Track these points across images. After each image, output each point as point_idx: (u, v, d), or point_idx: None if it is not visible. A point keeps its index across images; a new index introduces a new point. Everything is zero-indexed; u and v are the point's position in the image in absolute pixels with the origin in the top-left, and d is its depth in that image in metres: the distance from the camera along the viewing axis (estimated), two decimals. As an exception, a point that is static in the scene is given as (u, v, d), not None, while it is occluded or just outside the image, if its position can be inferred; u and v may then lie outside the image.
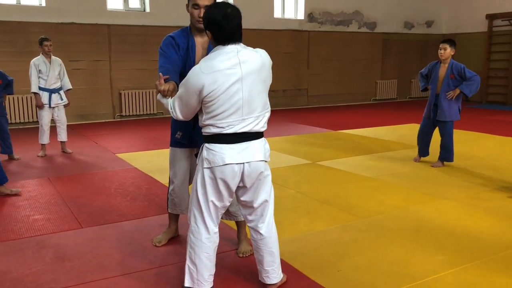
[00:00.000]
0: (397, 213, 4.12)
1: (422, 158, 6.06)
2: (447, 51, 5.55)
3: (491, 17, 13.31)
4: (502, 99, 13.34)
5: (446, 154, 5.79)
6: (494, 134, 8.06)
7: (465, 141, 7.52)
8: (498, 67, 13.43)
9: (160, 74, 2.78)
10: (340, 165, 5.90)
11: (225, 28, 2.42)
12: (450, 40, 5.68)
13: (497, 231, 3.68)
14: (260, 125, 2.54)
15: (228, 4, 2.49)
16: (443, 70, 5.64)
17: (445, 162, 5.82)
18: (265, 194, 2.63)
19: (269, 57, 2.59)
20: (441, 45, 5.61)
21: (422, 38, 14.36)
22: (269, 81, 2.58)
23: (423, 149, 5.99)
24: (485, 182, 5.11)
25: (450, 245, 3.42)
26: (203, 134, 2.55)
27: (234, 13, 2.45)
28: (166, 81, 2.78)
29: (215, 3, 2.52)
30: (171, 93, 2.73)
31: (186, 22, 3.16)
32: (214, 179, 2.50)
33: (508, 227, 3.77)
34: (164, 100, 2.71)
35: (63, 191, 4.85)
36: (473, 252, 3.28)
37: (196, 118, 2.70)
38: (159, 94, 2.76)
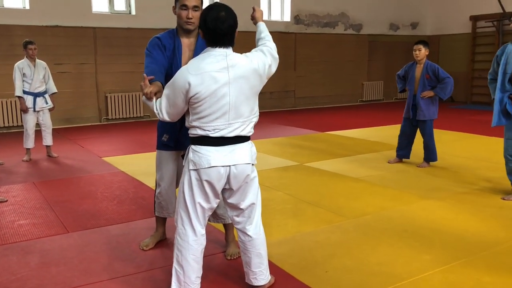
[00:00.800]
0: (384, 213, 4.15)
1: (405, 160, 6.09)
2: (422, 52, 5.69)
3: (475, 19, 13.49)
4: (486, 100, 13.49)
5: (429, 153, 5.86)
6: (479, 134, 8.16)
7: (450, 141, 7.60)
8: (482, 67, 13.60)
9: (145, 75, 2.75)
10: (328, 167, 5.92)
11: (216, 31, 2.42)
12: (424, 41, 5.82)
13: (482, 230, 3.73)
14: (247, 130, 2.54)
15: (225, 6, 2.47)
16: (419, 70, 5.77)
17: (430, 162, 5.87)
18: (252, 197, 2.63)
19: (266, 58, 2.58)
20: (415, 47, 5.75)
21: (407, 40, 14.48)
22: (259, 87, 2.56)
23: (403, 151, 6.03)
24: (471, 182, 5.17)
25: (437, 244, 3.45)
26: (190, 135, 2.55)
27: (227, 16, 2.44)
28: (151, 81, 2.75)
29: (213, 5, 2.50)
30: (156, 95, 2.69)
31: (171, 24, 3.15)
32: (200, 180, 2.49)
33: (493, 226, 3.82)
34: (149, 102, 2.68)
35: (48, 196, 4.79)
36: (459, 251, 3.31)
37: (182, 121, 2.69)
38: (144, 95, 2.73)
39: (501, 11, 12.20)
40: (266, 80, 2.62)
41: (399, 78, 6.01)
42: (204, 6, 2.80)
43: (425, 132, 5.77)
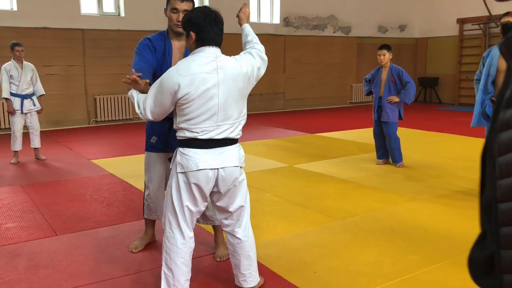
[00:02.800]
0: (372, 214, 4.18)
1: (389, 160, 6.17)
2: (386, 56, 5.87)
3: (462, 21, 13.65)
4: (473, 101, 13.61)
5: (392, 155, 6.00)
6: (466, 136, 8.25)
7: (437, 142, 7.68)
8: (469, 70, 13.73)
9: (133, 70, 2.74)
10: (316, 168, 5.95)
11: (211, 30, 2.44)
12: (387, 45, 5.98)
13: (468, 230, 3.76)
14: (235, 133, 2.54)
15: (211, 8, 2.50)
16: (384, 74, 5.96)
17: (398, 164, 5.95)
18: (240, 200, 2.63)
19: (255, 60, 2.59)
20: (379, 52, 5.93)
21: (395, 42, 14.59)
22: (247, 89, 2.56)
23: (380, 151, 6.16)
24: (457, 183, 5.23)
25: (424, 244, 3.49)
26: (178, 138, 2.54)
27: (217, 18, 2.48)
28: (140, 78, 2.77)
29: (198, 6, 2.53)
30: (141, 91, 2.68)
31: (161, 26, 3.16)
32: (188, 183, 2.48)
33: (478, 226, 3.85)
34: (134, 97, 2.65)
35: (36, 199, 4.76)
36: (446, 251, 3.35)
37: (171, 123, 2.69)
38: (131, 90, 2.70)
39: (488, 14, 12.35)
40: (255, 83, 2.63)
41: (366, 82, 6.23)
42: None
43: (388, 133, 5.92)
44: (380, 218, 4.08)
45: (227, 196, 2.59)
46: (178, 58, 3.07)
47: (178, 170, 2.49)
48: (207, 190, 2.52)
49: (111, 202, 4.63)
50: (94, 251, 3.42)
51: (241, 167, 2.60)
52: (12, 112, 6.36)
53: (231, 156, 2.52)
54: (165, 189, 3.32)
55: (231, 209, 2.62)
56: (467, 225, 3.90)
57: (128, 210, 4.36)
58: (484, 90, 4.47)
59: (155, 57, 3.06)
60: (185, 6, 2.97)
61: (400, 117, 5.97)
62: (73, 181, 5.45)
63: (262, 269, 2.99)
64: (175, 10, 2.98)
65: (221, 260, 3.22)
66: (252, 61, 2.61)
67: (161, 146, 3.17)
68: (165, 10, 3.06)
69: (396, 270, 3.06)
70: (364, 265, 3.14)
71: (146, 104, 2.52)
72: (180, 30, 3.02)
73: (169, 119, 2.70)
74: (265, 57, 2.73)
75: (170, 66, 3.01)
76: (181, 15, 2.96)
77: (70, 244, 3.57)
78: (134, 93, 2.68)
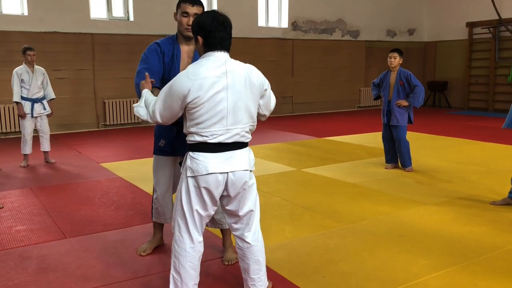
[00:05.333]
0: (381, 218, 4.16)
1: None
2: (396, 60, 5.87)
3: (471, 25, 13.57)
4: (483, 106, 13.57)
5: (402, 159, 5.98)
6: (476, 140, 8.19)
7: (446, 147, 7.63)
8: (478, 74, 13.67)
9: (147, 73, 2.80)
10: (325, 172, 5.94)
11: (218, 34, 2.44)
12: (398, 49, 5.99)
13: (478, 235, 3.74)
14: (246, 137, 2.54)
15: (220, 12, 2.50)
16: (393, 77, 5.95)
17: (407, 168, 5.93)
18: (250, 204, 2.62)
19: (261, 77, 2.57)
20: (390, 54, 5.92)
21: (404, 46, 14.51)
22: (256, 95, 2.53)
23: (389, 155, 6.15)
24: (467, 187, 5.18)
25: (433, 249, 3.46)
26: (188, 142, 2.54)
27: (226, 22, 2.48)
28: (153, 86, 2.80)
29: (207, 11, 2.54)
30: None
31: (170, 31, 3.18)
32: (198, 188, 2.48)
33: (488, 231, 3.83)
34: (144, 96, 2.68)
35: (46, 202, 4.79)
36: (456, 256, 3.32)
37: (179, 126, 2.69)
38: (144, 90, 2.72)
39: (497, 17, 12.27)
40: (259, 99, 2.59)
41: (374, 86, 6.22)
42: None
43: (398, 137, 5.91)
44: (389, 222, 4.06)
45: (236, 200, 2.58)
46: (186, 63, 3.08)
47: (188, 174, 2.49)
48: (217, 194, 2.51)
49: (120, 205, 4.64)
50: (102, 254, 3.43)
51: (250, 171, 2.59)
52: (22, 116, 6.42)
53: (241, 160, 2.51)
54: (173, 193, 3.33)
55: (240, 213, 2.61)
56: (477, 230, 3.86)
57: (136, 214, 4.37)
58: None
59: (161, 63, 3.07)
60: (195, 10, 2.99)
61: (410, 121, 5.96)
62: (82, 185, 5.48)
63: (271, 273, 2.98)
64: (185, 14, 2.99)
65: (229, 264, 3.22)
66: (264, 80, 2.58)
67: (169, 150, 3.18)
68: (175, 14, 3.08)
69: (405, 275, 3.04)
70: (373, 270, 3.12)
71: (155, 107, 2.53)
72: (190, 34, 3.02)
73: (178, 123, 2.71)
74: (271, 108, 2.73)
75: (179, 71, 3.03)
76: (191, 19, 2.97)
77: (79, 247, 3.59)
78: (146, 93, 2.69)
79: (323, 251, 3.45)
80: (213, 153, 2.46)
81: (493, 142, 7.94)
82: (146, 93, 2.71)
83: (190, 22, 2.97)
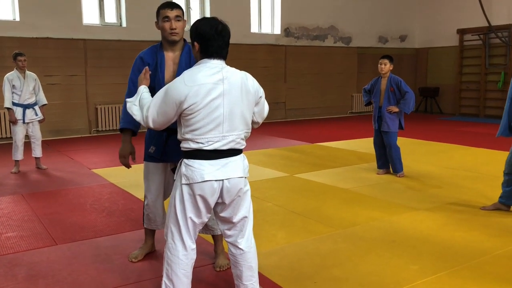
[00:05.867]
0: (372, 224, 4.17)
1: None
2: (386, 66, 5.92)
3: (461, 32, 13.71)
4: (474, 111, 13.68)
5: (393, 165, 6.02)
6: (467, 146, 8.25)
7: (438, 152, 7.68)
8: (469, 80, 13.79)
9: (146, 67, 2.84)
10: (317, 178, 5.95)
11: (215, 42, 2.43)
12: (389, 56, 6.04)
13: (468, 241, 3.76)
14: (241, 143, 2.54)
15: (219, 20, 2.50)
16: (383, 84, 6.00)
17: (399, 173, 5.96)
18: (244, 210, 2.61)
19: (256, 84, 2.58)
20: (381, 60, 5.97)
21: (396, 52, 14.65)
22: (252, 102, 2.54)
23: (381, 161, 6.18)
24: (458, 192, 5.22)
25: (424, 254, 3.48)
26: (182, 149, 2.52)
27: (225, 31, 2.47)
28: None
29: (208, 18, 2.52)
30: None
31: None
32: (193, 195, 2.47)
33: (479, 236, 3.85)
34: (140, 93, 2.67)
35: (37, 208, 4.76)
36: (447, 261, 3.34)
37: (169, 133, 2.68)
38: (141, 88, 2.72)
39: (487, 24, 12.41)
40: (254, 106, 2.59)
41: (365, 92, 6.27)
42: (187, 18, 2.84)
43: (389, 143, 5.95)
44: (380, 228, 4.07)
45: (231, 207, 2.57)
46: (172, 69, 3.07)
47: (183, 181, 2.47)
48: (212, 201, 2.50)
49: (111, 211, 4.62)
50: (94, 261, 3.41)
51: (245, 177, 2.58)
52: (14, 122, 6.38)
53: (236, 167, 2.51)
54: (164, 199, 3.33)
55: (234, 220, 2.60)
56: (467, 235, 3.89)
57: (128, 220, 4.35)
58: None
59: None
60: (175, 13, 2.99)
61: (401, 127, 6.00)
62: (73, 191, 5.45)
63: (262, 279, 2.98)
64: (166, 18, 3.00)
65: (221, 270, 3.21)
66: (259, 88, 2.59)
67: (159, 156, 3.17)
68: (156, 23, 3.07)
69: (397, 280, 3.05)
70: (365, 275, 3.13)
71: (149, 112, 2.51)
72: (175, 38, 3.03)
73: (168, 128, 2.70)
74: (264, 115, 2.74)
75: (163, 79, 3.02)
76: (173, 23, 2.98)
77: (70, 253, 3.57)
78: (143, 90, 2.68)
79: (315, 256, 3.45)
80: (209, 160, 2.45)
81: (483, 147, 8.01)
82: (143, 90, 2.69)
83: (173, 26, 2.98)
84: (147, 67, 2.86)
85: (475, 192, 5.19)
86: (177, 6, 3.04)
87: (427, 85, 14.90)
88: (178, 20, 3.00)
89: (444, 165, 6.66)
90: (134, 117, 2.61)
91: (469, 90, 13.81)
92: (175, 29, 2.99)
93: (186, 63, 3.04)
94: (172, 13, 2.98)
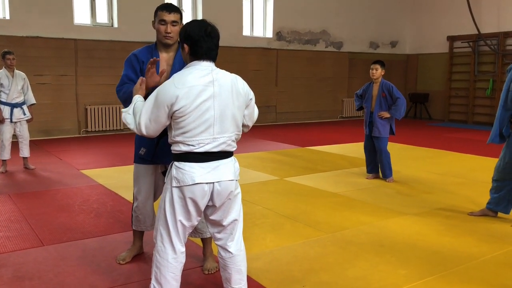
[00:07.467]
0: (362, 228, 4.18)
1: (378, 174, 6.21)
2: (378, 71, 5.94)
3: (451, 39, 13.84)
4: (463, 118, 13.81)
5: (383, 169, 6.06)
6: (456, 152, 8.32)
7: (427, 158, 7.73)
8: (459, 86, 13.93)
9: (141, 78, 2.80)
10: (307, 181, 5.96)
11: (204, 44, 2.43)
12: (381, 61, 6.08)
13: (456, 246, 3.79)
14: (232, 146, 2.53)
15: (209, 22, 2.50)
16: (375, 89, 6.03)
17: (388, 178, 6.00)
18: (234, 213, 2.60)
19: (246, 87, 2.58)
20: (373, 66, 6.00)
21: (387, 58, 14.75)
22: (242, 104, 2.54)
23: (370, 166, 6.22)
24: (446, 198, 5.26)
25: (412, 259, 3.49)
26: (173, 152, 2.50)
27: (214, 32, 2.47)
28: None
29: (199, 20, 2.52)
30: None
31: (153, 38, 3.17)
32: (183, 198, 2.45)
33: (466, 242, 3.88)
34: (134, 101, 2.63)
35: (24, 208, 4.71)
36: (434, 266, 3.36)
37: (159, 135, 2.67)
38: (136, 97, 2.68)
39: (477, 32, 12.56)
40: (244, 108, 2.59)
41: (357, 97, 6.29)
42: (184, 22, 2.84)
43: (379, 148, 5.98)
44: (369, 232, 4.08)
45: (221, 210, 2.55)
46: (165, 70, 3.07)
47: (174, 184, 2.45)
48: (202, 204, 2.49)
49: (100, 213, 4.59)
50: (81, 262, 3.38)
51: (236, 180, 2.58)
52: (1, 121, 6.31)
53: (227, 169, 2.50)
54: (154, 201, 3.31)
55: (224, 223, 2.59)
56: (455, 240, 3.91)
57: (116, 221, 4.32)
58: (504, 106, 4.18)
59: (138, 74, 3.07)
60: (172, 17, 2.99)
61: (392, 132, 6.04)
62: (61, 191, 5.40)
63: (251, 283, 2.97)
64: (163, 21, 2.99)
65: (210, 273, 3.20)
66: (249, 91, 2.60)
67: (150, 158, 3.15)
68: (153, 22, 3.07)
69: (385, 284, 3.06)
70: (353, 280, 3.13)
71: (141, 119, 2.47)
72: (169, 41, 3.03)
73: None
74: (254, 119, 2.73)
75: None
76: (169, 27, 2.98)
77: (57, 255, 3.53)
78: (137, 100, 2.62)
79: (303, 260, 3.45)
80: (199, 163, 2.43)
81: (472, 154, 8.08)
82: (137, 99, 2.64)
83: (169, 30, 2.98)
84: (142, 77, 2.81)
85: (463, 198, 5.23)
86: (176, 10, 3.03)
87: (417, 91, 15.01)
88: (174, 25, 3.00)
89: (433, 170, 6.71)
90: (128, 126, 2.58)
91: (458, 97, 13.94)
92: (170, 33, 2.99)
93: (180, 64, 3.03)
94: (169, 17, 2.98)
